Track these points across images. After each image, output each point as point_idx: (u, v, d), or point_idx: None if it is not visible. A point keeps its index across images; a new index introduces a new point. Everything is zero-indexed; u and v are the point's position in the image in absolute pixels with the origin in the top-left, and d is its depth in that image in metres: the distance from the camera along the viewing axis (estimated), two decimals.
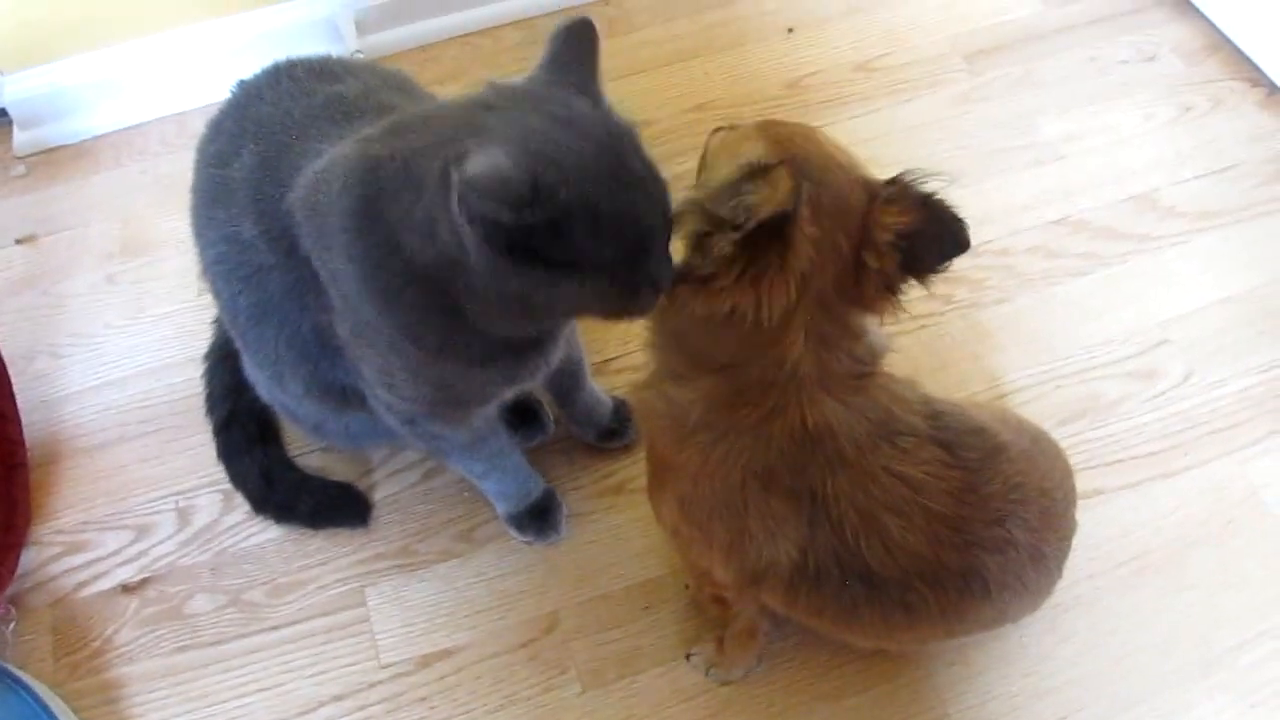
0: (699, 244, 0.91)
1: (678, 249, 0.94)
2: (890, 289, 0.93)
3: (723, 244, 0.87)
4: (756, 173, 0.87)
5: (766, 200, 0.85)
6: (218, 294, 1.21)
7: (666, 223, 0.93)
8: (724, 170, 0.91)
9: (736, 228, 0.86)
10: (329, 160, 1.03)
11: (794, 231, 0.87)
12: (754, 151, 0.91)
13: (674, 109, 1.87)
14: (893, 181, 0.92)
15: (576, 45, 0.94)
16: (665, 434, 1.05)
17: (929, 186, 0.90)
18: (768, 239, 0.87)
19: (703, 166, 1.01)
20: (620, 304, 0.95)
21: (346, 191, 0.98)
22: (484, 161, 0.84)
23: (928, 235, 0.90)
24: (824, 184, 0.90)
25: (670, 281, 0.94)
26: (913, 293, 0.94)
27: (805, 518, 0.99)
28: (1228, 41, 1.92)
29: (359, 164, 0.98)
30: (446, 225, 0.89)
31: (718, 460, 0.99)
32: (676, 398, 1.01)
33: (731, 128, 1.02)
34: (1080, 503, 1.18)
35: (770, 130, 0.95)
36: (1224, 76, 1.89)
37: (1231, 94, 1.87)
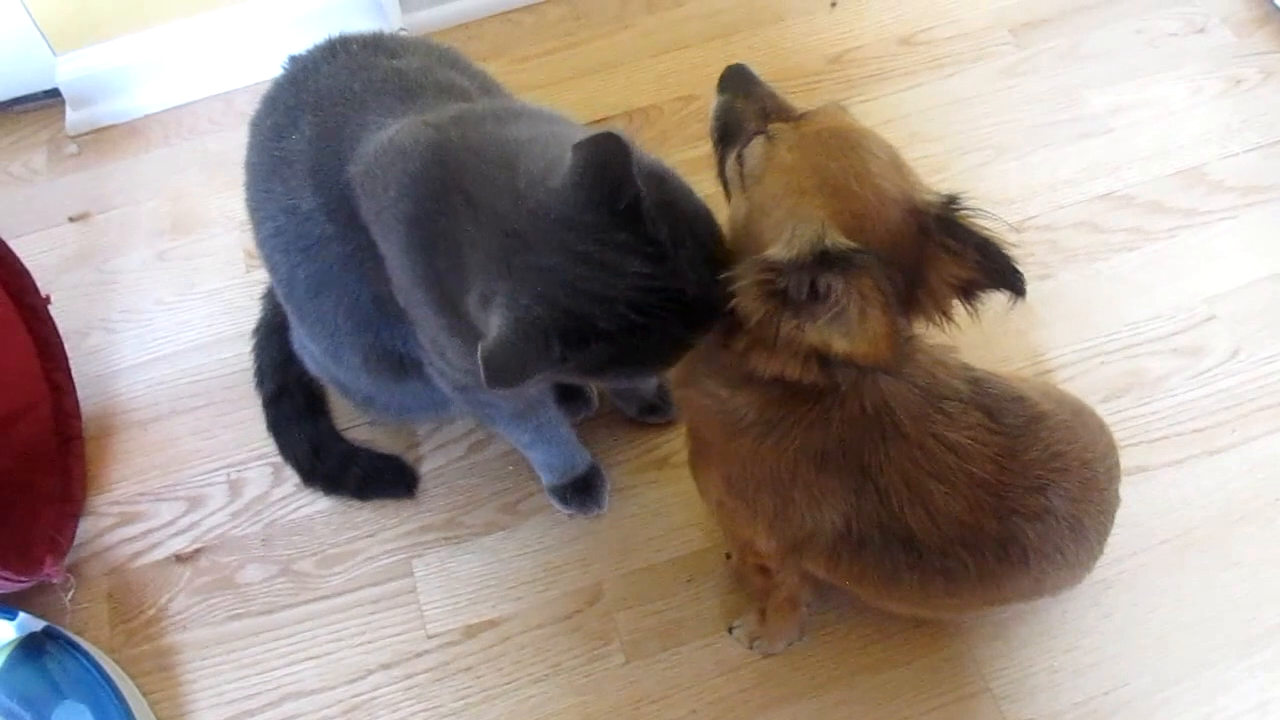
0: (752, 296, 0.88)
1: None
2: (943, 315, 0.92)
3: (788, 329, 0.87)
4: (832, 260, 0.83)
5: (857, 349, 0.85)
6: (274, 267, 1.22)
7: (704, 249, 0.93)
8: (782, 226, 0.87)
9: (797, 308, 0.86)
10: (391, 137, 1.04)
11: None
12: (813, 221, 0.86)
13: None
14: (944, 219, 0.89)
15: (603, 167, 0.87)
16: (713, 427, 1.05)
17: (981, 223, 0.89)
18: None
19: (741, 179, 0.95)
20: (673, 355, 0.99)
21: (405, 174, 0.99)
22: (498, 340, 0.87)
23: (983, 282, 0.90)
24: (876, 232, 0.86)
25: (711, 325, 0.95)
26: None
27: (853, 489, 1.00)
28: (1279, 12, 1.89)
29: (423, 149, 0.99)
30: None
31: (770, 447, 1.00)
32: (728, 400, 1.00)
33: (776, 125, 0.96)
34: (1124, 479, 1.18)
35: (822, 170, 0.89)
36: (1274, 49, 1.86)
37: None
